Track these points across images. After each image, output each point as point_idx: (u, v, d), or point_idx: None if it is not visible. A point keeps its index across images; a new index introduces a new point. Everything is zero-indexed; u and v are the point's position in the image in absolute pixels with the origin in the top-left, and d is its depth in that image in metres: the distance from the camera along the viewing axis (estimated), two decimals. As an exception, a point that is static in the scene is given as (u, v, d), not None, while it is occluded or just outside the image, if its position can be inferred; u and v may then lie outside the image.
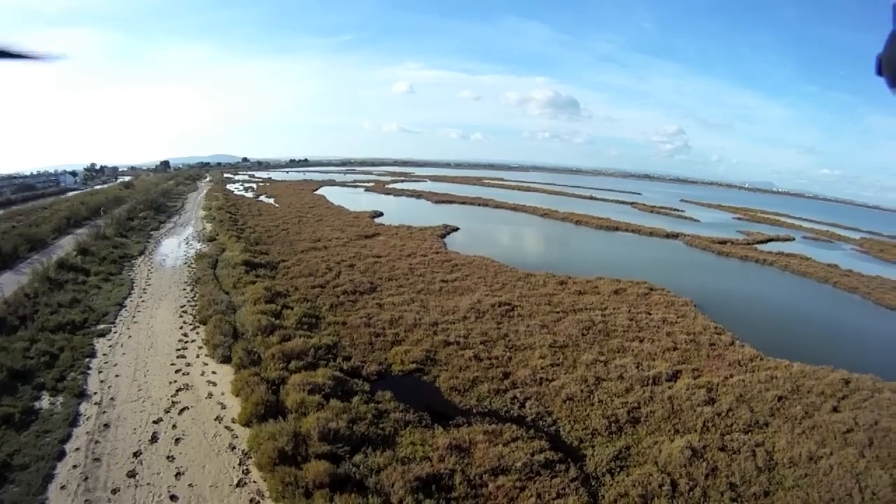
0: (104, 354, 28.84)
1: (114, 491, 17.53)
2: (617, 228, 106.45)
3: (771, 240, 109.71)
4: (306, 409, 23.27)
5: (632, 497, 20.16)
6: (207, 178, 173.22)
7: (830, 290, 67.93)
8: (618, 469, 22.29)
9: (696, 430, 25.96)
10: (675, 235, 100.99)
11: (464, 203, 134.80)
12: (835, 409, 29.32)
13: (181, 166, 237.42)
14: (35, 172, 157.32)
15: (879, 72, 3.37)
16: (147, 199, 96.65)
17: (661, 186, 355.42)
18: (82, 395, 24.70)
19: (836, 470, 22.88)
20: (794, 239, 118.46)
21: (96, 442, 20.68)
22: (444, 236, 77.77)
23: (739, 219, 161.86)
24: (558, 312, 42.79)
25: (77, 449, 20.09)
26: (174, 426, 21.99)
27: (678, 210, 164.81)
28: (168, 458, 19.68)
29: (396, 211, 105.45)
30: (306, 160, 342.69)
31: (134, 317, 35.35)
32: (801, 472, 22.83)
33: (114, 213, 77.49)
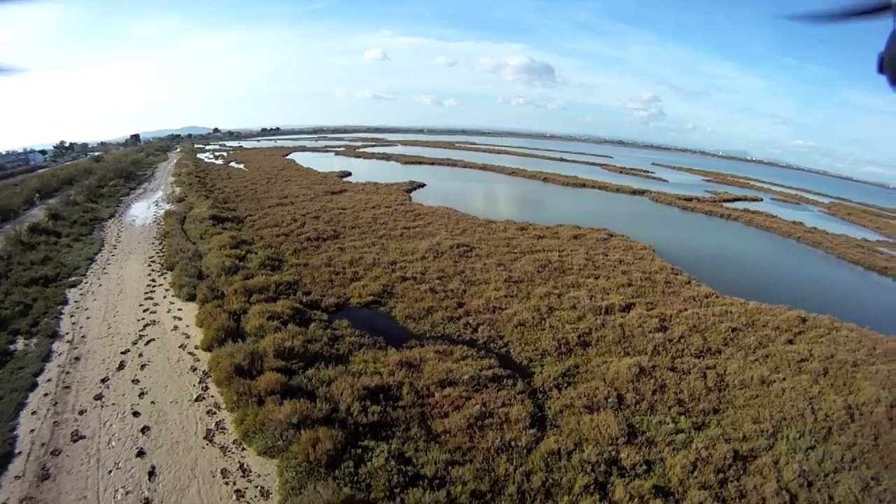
0: (76, 302, 30.21)
1: (81, 412, 19.03)
2: (584, 185, 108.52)
3: (738, 199, 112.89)
4: (264, 332, 24.78)
5: (576, 407, 21.39)
6: (178, 149, 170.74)
7: (793, 243, 71.06)
8: (565, 384, 23.58)
9: (646, 353, 27.36)
10: (641, 192, 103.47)
11: (433, 164, 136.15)
12: (790, 342, 30.98)
13: (152, 139, 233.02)
14: (3, 153, 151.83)
15: (881, 70, 3.52)
16: (117, 168, 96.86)
17: (634, 152, 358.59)
18: (55, 335, 25.92)
19: (788, 393, 24.35)
20: (761, 200, 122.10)
21: (67, 373, 22.13)
22: (410, 191, 79.46)
23: (709, 181, 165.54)
24: (516, 253, 44.27)
25: (49, 380, 21.52)
26: (140, 355, 23.67)
27: (648, 172, 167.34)
28: (133, 381, 21.34)
29: (365, 171, 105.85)
30: (278, 129, 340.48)
31: (104, 269, 36.80)
32: (751, 394, 24.27)
33: (84, 183, 77.83)
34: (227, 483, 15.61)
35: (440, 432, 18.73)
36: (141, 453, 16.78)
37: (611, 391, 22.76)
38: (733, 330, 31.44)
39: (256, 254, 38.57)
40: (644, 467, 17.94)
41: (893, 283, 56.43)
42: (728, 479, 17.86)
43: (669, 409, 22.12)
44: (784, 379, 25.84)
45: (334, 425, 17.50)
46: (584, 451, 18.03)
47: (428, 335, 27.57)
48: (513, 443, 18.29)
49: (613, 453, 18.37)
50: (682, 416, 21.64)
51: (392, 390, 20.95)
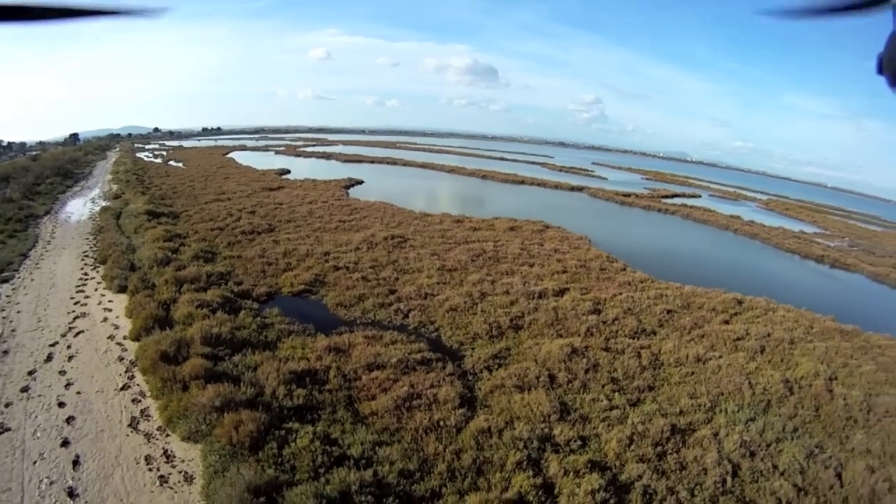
0: (7, 297, 29.36)
1: (7, 405, 18.49)
2: (523, 182, 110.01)
3: (677, 195, 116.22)
4: (193, 320, 24.56)
5: (507, 387, 21.06)
6: (117, 149, 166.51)
7: (731, 235, 73.59)
8: (496, 366, 23.29)
9: (579, 335, 27.25)
10: (580, 189, 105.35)
11: (373, 162, 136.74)
12: (726, 322, 31.62)
13: (91, 139, 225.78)
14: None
15: (880, 71, 3.36)
16: (55, 166, 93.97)
17: (575, 152, 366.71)
18: (-18, 331, 25.05)
19: (725, 370, 24.70)
20: (700, 196, 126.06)
21: (-7, 368, 21.59)
22: (348, 188, 79.90)
23: (649, 179, 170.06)
24: (450, 244, 44.39)
25: (-26, 376, 20.88)
26: (69, 347, 23.24)
27: (588, 170, 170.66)
28: (60, 372, 20.92)
29: (305, 169, 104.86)
30: (219, 129, 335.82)
31: (37, 264, 36.04)
32: (687, 371, 24.47)
33: (21, 180, 75.61)
34: (150, 469, 15.69)
35: (367, 414, 18.46)
36: (66, 443, 16.61)
37: (542, 371, 22.53)
38: (668, 312, 31.86)
39: (190, 246, 38.22)
40: (578, 443, 17.62)
41: (829, 269, 59.25)
42: (667, 451, 17.64)
43: (603, 387, 22.00)
44: (720, 357, 26.22)
45: (258, 408, 17.42)
46: (515, 429, 17.70)
47: (358, 321, 27.38)
48: (442, 422, 17.96)
49: (546, 430, 18.02)
50: (617, 394, 21.50)
51: (319, 374, 20.86)
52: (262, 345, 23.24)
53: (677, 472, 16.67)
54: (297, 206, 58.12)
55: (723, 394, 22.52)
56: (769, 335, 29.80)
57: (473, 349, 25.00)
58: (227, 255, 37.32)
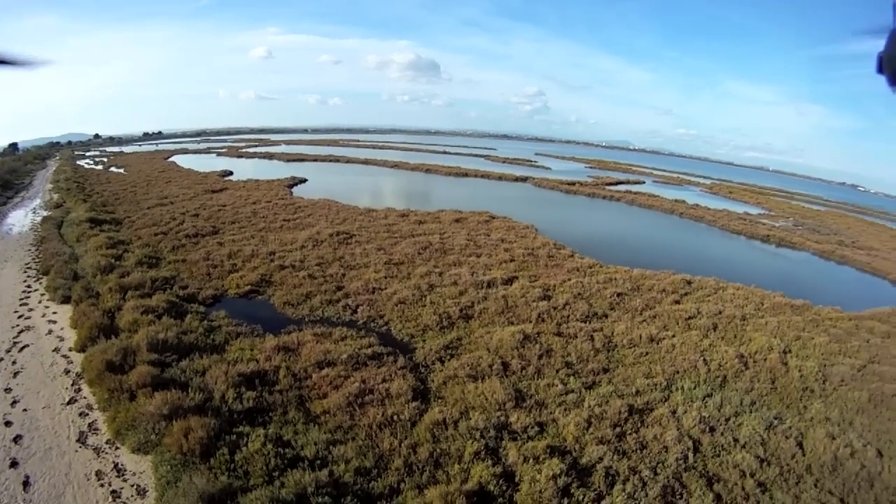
0: None
1: None
2: (466, 175, 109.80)
3: (621, 182, 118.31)
4: (138, 327, 23.82)
5: (460, 377, 20.73)
6: (57, 157, 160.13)
7: (677, 219, 75.09)
8: (448, 356, 22.97)
9: (530, 321, 27.20)
10: (524, 179, 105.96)
11: (316, 161, 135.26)
12: (676, 302, 32.22)
13: (31, 148, 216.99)
14: None
15: (880, 70, 3.49)
16: None
17: (518, 144, 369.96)
18: (-81, 357, 23.71)
19: (679, 348, 25.03)
20: (644, 182, 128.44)
21: (-66, 393, 20.55)
22: (291, 186, 78.98)
23: (592, 168, 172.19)
24: (396, 238, 44.07)
25: (-88, 402, 19.83)
26: (14, 363, 22.30)
27: (532, 161, 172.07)
28: (5, 390, 20.18)
29: (248, 170, 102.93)
30: (160, 133, 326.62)
31: None
32: (641, 351, 24.65)
33: None
34: (102, 485, 15.27)
35: (319, 413, 18.10)
36: (14, 464, 16.12)
37: (495, 359, 22.28)
38: (618, 295, 32.20)
39: (134, 252, 37.44)
40: (536, 429, 17.39)
41: (776, 248, 61.23)
42: (626, 432, 17.53)
43: (557, 371, 21.91)
44: (673, 336, 26.57)
45: (207, 414, 17.14)
46: (471, 419, 17.37)
47: (307, 319, 26.91)
48: (396, 417, 17.68)
49: (502, 418, 17.78)
50: (572, 378, 21.36)
51: (269, 375, 20.49)
52: (209, 348, 22.80)
53: (638, 451, 16.51)
54: (241, 207, 57.16)
55: (678, 372, 22.71)
56: (720, 313, 30.45)
57: (424, 341, 24.66)
58: (172, 260, 36.47)
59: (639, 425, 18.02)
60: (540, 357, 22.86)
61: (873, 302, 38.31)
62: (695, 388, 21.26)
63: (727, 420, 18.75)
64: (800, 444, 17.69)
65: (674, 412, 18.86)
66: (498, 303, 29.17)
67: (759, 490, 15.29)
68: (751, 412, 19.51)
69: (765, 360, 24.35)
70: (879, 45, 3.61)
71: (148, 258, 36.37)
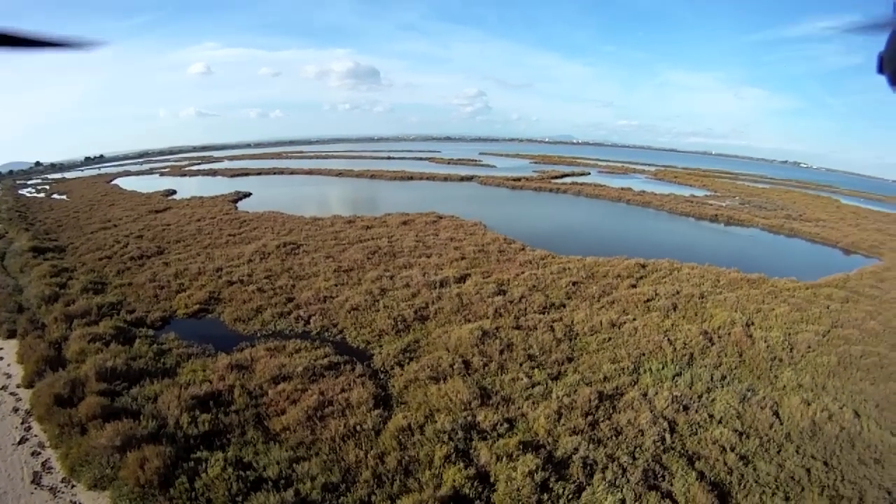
0: None
1: None
2: (412, 178, 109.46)
3: (566, 175, 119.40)
4: (86, 356, 23.08)
5: (421, 380, 20.32)
6: None
7: (624, 206, 76.17)
8: (407, 360, 22.52)
9: (487, 317, 26.87)
10: (469, 178, 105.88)
11: (260, 174, 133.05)
12: (633, 286, 32.37)
13: None
14: None
15: (880, 70, 3.49)
16: None
17: (462, 145, 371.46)
18: None
19: (641, 331, 25.03)
20: (589, 174, 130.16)
21: None
22: (236, 201, 77.91)
23: (537, 163, 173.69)
24: (344, 244, 43.51)
25: None
26: None
27: (476, 160, 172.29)
28: None
29: (192, 188, 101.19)
30: (102, 156, 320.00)
31: None
32: (604, 337, 24.58)
33: None
34: None
35: (279, 430, 17.51)
36: None
37: (455, 358, 21.89)
38: (574, 284, 32.27)
39: (79, 279, 36.45)
40: (506, 426, 17.07)
41: (725, 227, 62.51)
42: (599, 419, 17.30)
43: (521, 365, 21.64)
44: (634, 319, 26.65)
45: (162, 441, 16.61)
46: (437, 422, 16.99)
47: (259, 334, 26.31)
48: (359, 427, 17.18)
49: (469, 418, 17.39)
50: (536, 370, 21.13)
51: (223, 395, 19.80)
52: (160, 372, 22.13)
53: (614, 438, 16.27)
54: (186, 225, 56.21)
55: (644, 354, 22.77)
56: (678, 292, 30.77)
57: (381, 346, 24.14)
58: (118, 284, 35.51)
59: (611, 411, 17.82)
60: (501, 352, 22.56)
61: (827, 270, 39.50)
62: (663, 368, 21.26)
63: (700, 397, 18.74)
64: (776, 414, 17.78)
65: (645, 394, 18.76)
66: (453, 301, 28.77)
67: (742, 463, 15.25)
68: (722, 387, 19.57)
69: (729, 334, 24.62)
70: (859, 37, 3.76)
71: (93, 284, 35.52)
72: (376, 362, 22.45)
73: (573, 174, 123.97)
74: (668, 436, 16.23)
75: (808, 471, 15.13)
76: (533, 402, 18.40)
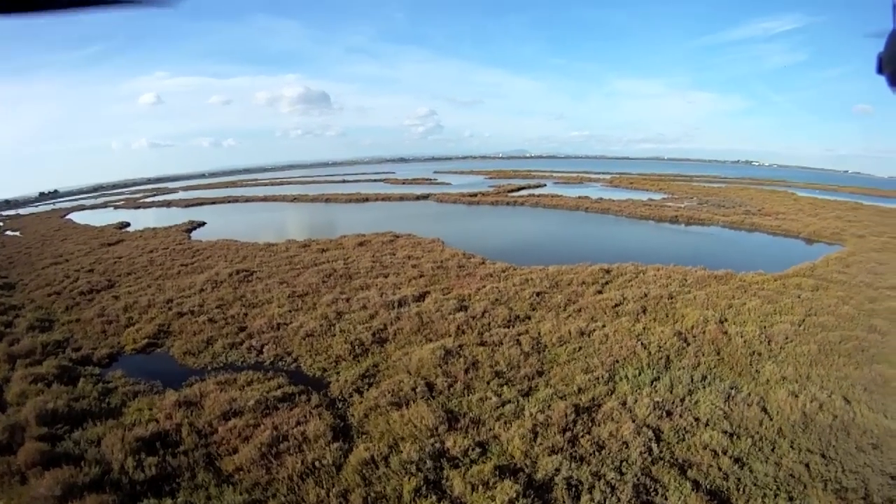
0: None
1: None
2: (367, 199, 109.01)
3: (522, 188, 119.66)
4: (27, 398, 22.10)
5: (383, 407, 19.02)
6: None
7: (583, 214, 76.25)
8: (366, 386, 21.25)
9: (449, 335, 25.83)
10: (425, 196, 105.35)
11: (214, 203, 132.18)
12: (599, 293, 31.66)
13: None
14: None
15: (880, 70, 3.52)
16: None
17: (416, 165, 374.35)
18: None
19: (613, 337, 24.14)
20: (545, 185, 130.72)
21: None
22: (190, 231, 77.25)
23: (492, 178, 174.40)
24: (299, 269, 42.56)
25: None
26: None
27: (431, 179, 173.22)
28: None
29: (146, 220, 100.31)
30: (56, 191, 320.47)
31: None
32: (574, 347, 23.59)
33: None
34: None
35: (232, 471, 16.12)
36: None
37: (418, 381, 20.66)
38: (538, 294, 31.49)
39: (26, 317, 35.56)
40: (478, 451, 15.78)
41: (686, 227, 63.06)
42: (578, 435, 16.20)
43: (488, 383, 20.53)
44: (604, 326, 25.85)
45: (106, 489, 15.59)
46: (402, 452, 15.69)
47: (209, 368, 25.10)
48: (318, 463, 15.86)
49: (437, 445, 16.10)
50: (505, 387, 20.03)
51: (171, 435, 18.46)
52: (105, 413, 20.86)
53: (596, 453, 15.19)
54: (137, 257, 55.36)
55: (618, 361, 21.85)
56: (646, 295, 30.19)
57: (338, 373, 22.93)
58: (66, 320, 34.44)
59: (590, 425, 16.77)
60: (466, 371, 21.40)
61: (793, 260, 39.69)
62: (639, 374, 20.42)
63: (682, 400, 17.90)
64: (764, 409, 17.17)
65: (624, 403, 17.79)
66: (412, 321, 27.66)
67: (737, 466, 14.39)
68: (704, 387, 18.83)
69: (703, 332, 24.03)
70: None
71: (40, 321, 34.44)
72: (333, 390, 21.17)
73: (529, 187, 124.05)
74: (654, 445, 15.23)
75: (807, 466, 14.37)
76: (505, 422, 17.24)
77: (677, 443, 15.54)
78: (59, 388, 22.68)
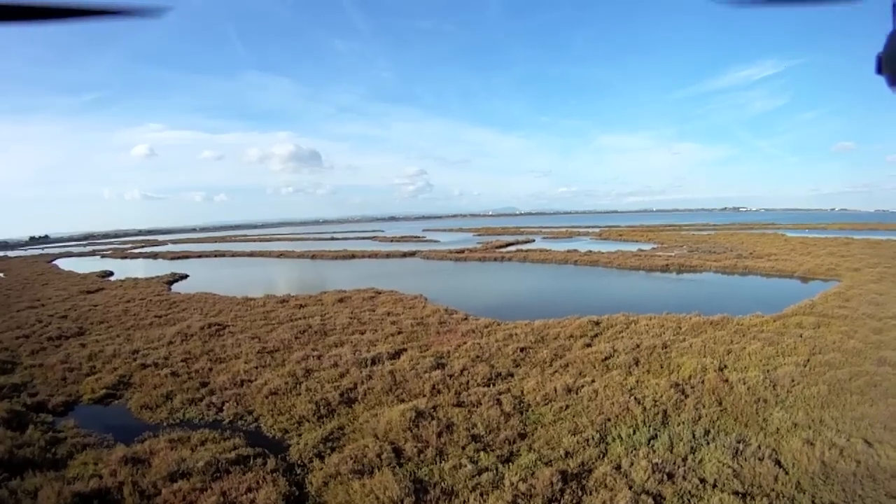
0: None
1: None
2: (353, 256, 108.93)
3: (511, 244, 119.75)
4: None
5: (344, 474, 17.04)
6: None
7: (572, 267, 75.17)
8: (328, 451, 19.26)
9: (423, 395, 23.88)
10: (412, 253, 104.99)
11: (201, 257, 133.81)
12: (588, 346, 29.82)
13: None
14: None
15: (879, 70, 3.37)
16: None
17: (405, 224, 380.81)
18: None
19: (603, 392, 22.26)
20: (534, 240, 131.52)
21: None
22: (171, 283, 78.01)
23: (480, 235, 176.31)
24: (273, 324, 41.22)
25: None
26: None
27: (420, 237, 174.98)
28: None
29: (130, 270, 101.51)
30: (47, 237, 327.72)
31: None
32: (560, 405, 21.60)
33: None
34: None
35: None
36: None
37: (384, 446, 18.53)
38: (522, 350, 29.74)
39: None
40: None
41: (677, 275, 62.12)
42: None
43: (464, 448, 18.44)
44: (593, 381, 23.95)
45: None
46: None
47: (165, 423, 23.67)
48: None
49: None
50: (482, 453, 17.96)
51: (112, 493, 17.26)
52: (48, 464, 20.01)
53: None
54: (113, 306, 55.18)
55: (609, 419, 19.93)
56: (639, 346, 28.56)
57: (300, 435, 21.10)
58: (29, 365, 34.14)
59: (580, 494, 14.70)
60: (439, 434, 19.29)
61: (790, 299, 39.05)
62: (634, 432, 18.39)
63: (685, 460, 15.89)
64: (778, 463, 15.46)
65: (618, 467, 15.79)
66: (384, 380, 25.74)
67: None
68: (708, 443, 16.91)
69: (702, 382, 22.28)
70: None
71: (3, 363, 34.48)
72: (293, 454, 19.32)
73: (518, 242, 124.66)
74: (655, 515, 13.09)
75: (834, 522, 12.46)
76: (481, 493, 15.11)
77: (682, 510, 13.55)
78: (4, 432, 21.98)
